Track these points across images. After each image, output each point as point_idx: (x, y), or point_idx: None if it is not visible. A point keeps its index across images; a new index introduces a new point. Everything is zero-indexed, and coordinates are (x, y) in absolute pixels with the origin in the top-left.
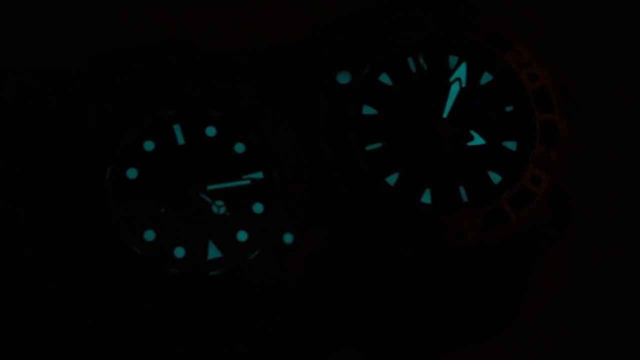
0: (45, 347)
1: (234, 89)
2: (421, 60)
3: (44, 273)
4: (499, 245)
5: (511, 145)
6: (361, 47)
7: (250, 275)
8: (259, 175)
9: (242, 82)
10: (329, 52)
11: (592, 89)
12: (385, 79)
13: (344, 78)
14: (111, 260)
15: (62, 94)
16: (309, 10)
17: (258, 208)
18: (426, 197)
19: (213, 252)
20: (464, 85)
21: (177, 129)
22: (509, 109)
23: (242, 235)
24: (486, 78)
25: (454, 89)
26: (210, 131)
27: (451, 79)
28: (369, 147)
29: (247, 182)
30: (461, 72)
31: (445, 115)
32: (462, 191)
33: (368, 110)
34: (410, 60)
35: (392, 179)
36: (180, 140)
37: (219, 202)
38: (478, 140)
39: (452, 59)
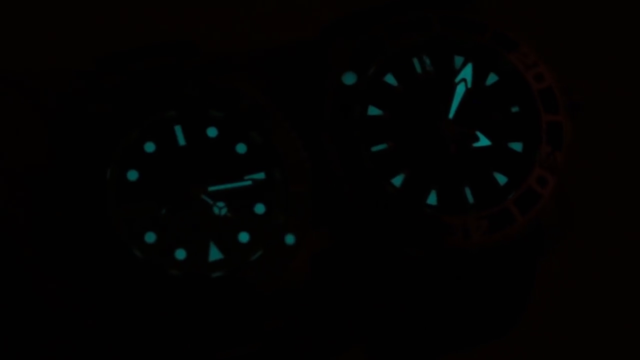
0: (45, 347)
1: (234, 88)
2: (427, 61)
3: (44, 273)
4: (505, 247)
5: (517, 146)
6: (366, 47)
7: (253, 276)
8: (260, 175)
9: (243, 82)
10: (333, 52)
11: (597, 90)
12: (390, 79)
13: (349, 79)
14: (111, 263)
15: (62, 94)
16: (309, 10)
17: (260, 209)
18: (432, 199)
19: (214, 254)
20: (469, 86)
21: (178, 129)
22: (514, 109)
23: (243, 237)
24: (492, 79)
25: (460, 90)
26: (212, 132)
27: (457, 80)
28: (375, 148)
29: (249, 182)
30: (467, 72)
31: (450, 116)
32: (468, 192)
33: (373, 111)
34: (415, 61)
35: (397, 180)
36: (181, 141)
37: (221, 203)
38: (484, 141)
39: (458, 60)
